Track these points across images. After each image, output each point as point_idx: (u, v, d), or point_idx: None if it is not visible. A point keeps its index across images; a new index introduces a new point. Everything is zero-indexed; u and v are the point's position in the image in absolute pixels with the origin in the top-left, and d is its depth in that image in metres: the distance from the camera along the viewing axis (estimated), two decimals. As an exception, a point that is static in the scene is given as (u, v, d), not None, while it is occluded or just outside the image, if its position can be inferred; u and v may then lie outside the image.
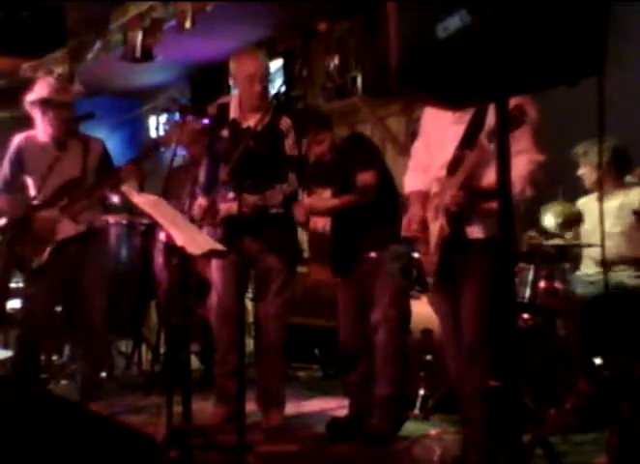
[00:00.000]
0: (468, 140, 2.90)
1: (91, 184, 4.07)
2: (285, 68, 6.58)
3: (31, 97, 4.08)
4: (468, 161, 2.86)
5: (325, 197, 3.88)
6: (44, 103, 4.03)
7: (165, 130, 4.55)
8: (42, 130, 4.10)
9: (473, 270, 2.95)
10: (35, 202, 4.08)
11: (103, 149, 4.23)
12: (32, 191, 4.10)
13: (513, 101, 2.48)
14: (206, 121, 4.13)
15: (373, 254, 3.75)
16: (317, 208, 3.95)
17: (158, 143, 4.18)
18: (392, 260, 3.69)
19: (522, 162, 2.78)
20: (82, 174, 4.07)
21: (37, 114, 4.08)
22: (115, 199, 4.37)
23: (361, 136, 4.27)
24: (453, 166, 2.94)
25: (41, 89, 4.07)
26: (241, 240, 3.50)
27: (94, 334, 4.14)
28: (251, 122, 3.86)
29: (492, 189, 2.81)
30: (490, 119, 2.81)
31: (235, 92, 4.15)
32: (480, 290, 2.92)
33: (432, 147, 3.16)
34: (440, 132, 3.08)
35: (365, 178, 3.74)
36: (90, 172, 4.10)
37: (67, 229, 4.02)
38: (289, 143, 3.87)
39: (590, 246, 4.18)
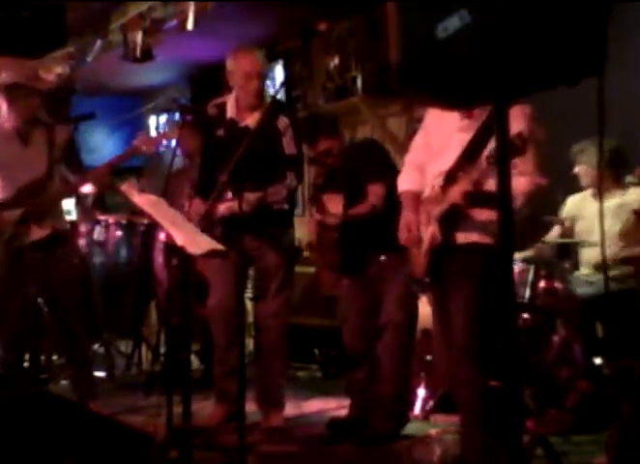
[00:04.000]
0: (471, 154, 2.87)
1: (56, 189, 3.94)
2: (285, 68, 6.58)
3: None
4: (470, 176, 2.83)
5: (337, 203, 3.84)
6: (14, 89, 3.82)
7: (153, 135, 4.41)
8: (6, 118, 3.90)
9: (461, 273, 2.97)
10: None
11: (69, 137, 4.05)
12: None
13: (516, 128, 2.47)
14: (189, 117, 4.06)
15: (383, 257, 3.74)
16: (328, 224, 3.88)
17: (135, 148, 4.05)
18: (404, 264, 3.69)
19: (524, 182, 2.80)
20: (48, 168, 3.90)
21: (2, 102, 3.86)
22: (86, 189, 4.26)
23: (372, 143, 4.23)
24: (451, 177, 2.92)
25: (11, 73, 3.86)
26: (240, 238, 3.49)
27: (71, 336, 4.07)
28: (249, 120, 3.84)
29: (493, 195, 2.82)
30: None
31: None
32: (467, 292, 2.94)
33: (433, 151, 3.13)
34: (443, 138, 3.06)
35: (376, 191, 3.72)
36: (55, 165, 3.94)
37: (32, 233, 3.89)
38: (287, 142, 3.84)
39: (589, 243, 4.19)
